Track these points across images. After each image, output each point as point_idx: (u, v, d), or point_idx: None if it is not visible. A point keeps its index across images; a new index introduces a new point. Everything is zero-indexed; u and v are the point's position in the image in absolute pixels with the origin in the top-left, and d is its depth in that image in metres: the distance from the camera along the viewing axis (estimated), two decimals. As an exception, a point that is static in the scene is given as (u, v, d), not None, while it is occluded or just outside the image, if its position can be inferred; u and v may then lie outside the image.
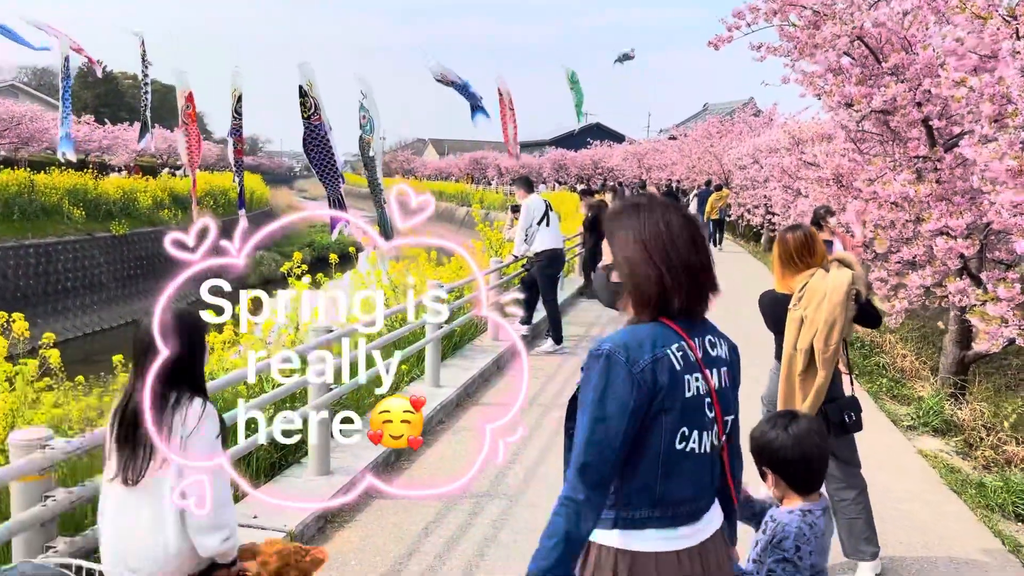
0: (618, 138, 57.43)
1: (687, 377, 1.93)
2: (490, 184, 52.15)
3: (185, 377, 2.53)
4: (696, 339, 1.99)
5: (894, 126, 7.38)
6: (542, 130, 68.54)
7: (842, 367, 4.01)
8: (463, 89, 13.77)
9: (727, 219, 26.85)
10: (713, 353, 2.02)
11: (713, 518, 2.04)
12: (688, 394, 1.92)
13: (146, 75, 20.37)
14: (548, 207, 9.16)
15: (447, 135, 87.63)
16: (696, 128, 34.94)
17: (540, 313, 9.69)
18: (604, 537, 1.96)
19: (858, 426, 3.96)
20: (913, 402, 7.64)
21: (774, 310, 4.11)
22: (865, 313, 3.95)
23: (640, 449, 1.92)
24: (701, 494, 1.99)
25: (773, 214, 20.42)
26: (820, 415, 3.81)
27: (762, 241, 24.39)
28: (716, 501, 2.07)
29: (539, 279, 9.08)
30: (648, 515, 1.94)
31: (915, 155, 7.33)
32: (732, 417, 2.05)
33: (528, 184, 9.38)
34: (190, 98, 14.20)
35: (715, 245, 23.50)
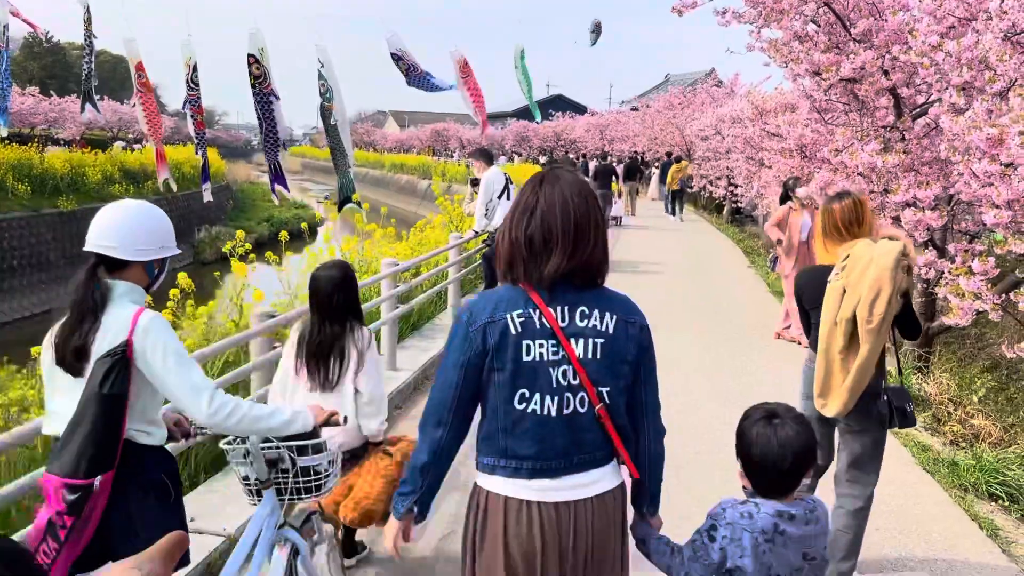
0: (580, 110, 57.15)
1: (526, 342, 2.03)
2: (452, 156, 51.52)
3: (354, 312, 3.49)
4: (558, 308, 2.06)
5: (861, 95, 7.21)
6: (503, 102, 67.93)
7: (889, 344, 3.53)
8: (424, 80, 12.96)
9: (689, 190, 26.83)
10: (581, 323, 2.06)
11: (590, 482, 2.10)
12: (527, 358, 2.03)
13: (90, 44, 19.54)
14: (508, 180, 8.84)
15: (407, 107, 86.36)
16: (658, 99, 34.78)
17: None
18: (478, 477, 2.19)
19: (911, 420, 3.48)
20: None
21: (814, 283, 3.62)
22: (907, 316, 3.43)
23: (484, 403, 2.11)
24: (550, 454, 2.06)
25: (736, 185, 20.35)
26: (883, 402, 3.41)
27: (724, 212, 24.36)
28: (604, 467, 2.13)
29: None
30: (495, 463, 2.11)
31: (883, 125, 7.18)
32: (609, 388, 2.08)
33: (487, 156, 9.02)
34: (140, 67, 13.57)
35: (673, 215, 23.51)
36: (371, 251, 8.51)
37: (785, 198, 8.91)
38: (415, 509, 2.18)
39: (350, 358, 3.40)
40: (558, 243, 2.06)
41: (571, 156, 35.08)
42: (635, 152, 35.75)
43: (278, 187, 8.38)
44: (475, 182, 9.98)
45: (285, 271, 7.61)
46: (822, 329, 3.45)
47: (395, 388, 6.19)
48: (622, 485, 2.20)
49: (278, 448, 2.71)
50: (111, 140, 39.06)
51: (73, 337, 2.39)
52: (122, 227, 2.45)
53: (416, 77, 12.64)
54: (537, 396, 2.04)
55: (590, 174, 22.03)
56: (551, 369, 2.04)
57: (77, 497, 2.29)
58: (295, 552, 2.78)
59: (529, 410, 2.05)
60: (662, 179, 24.93)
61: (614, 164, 25.69)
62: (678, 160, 24.65)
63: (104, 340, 2.37)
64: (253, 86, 9.13)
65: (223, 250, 7.80)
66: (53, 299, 21.13)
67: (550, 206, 2.08)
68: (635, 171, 25.14)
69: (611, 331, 2.08)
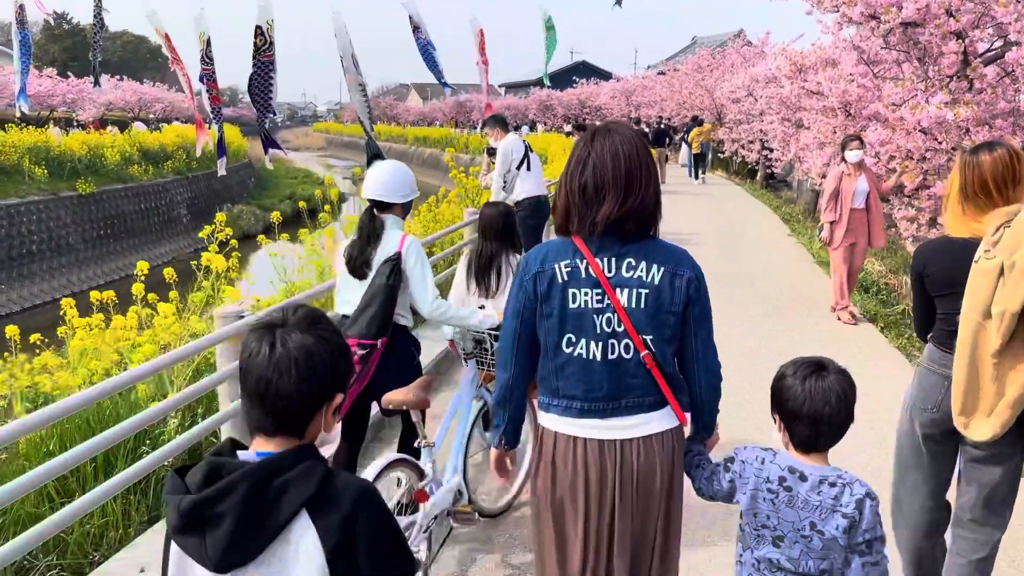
0: (605, 76, 55.95)
1: (571, 290, 2.17)
2: (475, 128, 50.63)
3: (511, 239, 4.22)
4: (605, 258, 2.17)
5: (924, 40, 6.37)
6: (526, 70, 66.71)
7: None
8: (427, 55, 12.42)
9: (720, 155, 25.82)
10: (627, 274, 2.16)
11: (637, 423, 2.21)
12: (572, 305, 2.17)
13: (99, 19, 19.01)
14: (528, 148, 8.08)
15: (430, 79, 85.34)
16: (686, 62, 33.60)
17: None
18: (539, 414, 2.36)
19: None
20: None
21: (947, 261, 2.80)
22: None
23: (538, 347, 2.28)
24: (597, 395, 2.20)
25: (770, 149, 19.38)
26: None
27: (758, 178, 23.38)
28: (656, 411, 2.22)
29: (520, 230, 8.04)
30: (549, 401, 2.28)
31: (948, 74, 6.33)
32: (653, 336, 2.16)
33: (502, 123, 8.22)
34: (167, 38, 13.10)
35: (696, 179, 22.63)
36: None
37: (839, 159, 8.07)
38: (503, 440, 2.46)
39: (505, 274, 4.11)
40: (610, 190, 2.14)
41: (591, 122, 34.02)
42: (661, 118, 34.68)
43: (272, 150, 8.74)
44: (491, 151, 9.20)
45: (280, 256, 6.98)
46: (965, 324, 2.59)
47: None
48: (676, 429, 2.28)
49: (482, 333, 3.79)
50: (131, 120, 38.65)
51: (363, 253, 3.58)
52: (387, 181, 3.63)
53: (422, 42, 11.98)
54: (583, 341, 2.17)
55: None
56: (595, 316, 2.16)
57: (366, 352, 3.44)
58: (485, 405, 3.88)
59: (575, 354, 2.19)
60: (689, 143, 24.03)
61: (644, 130, 24.80)
62: (700, 123, 23.69)
63: (383, 253, 3.56)
64: (254, 56, 8.87)
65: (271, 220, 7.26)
66: (74, 283, 20.85)
67: (601, 155, 2.17)
68: (664, 137, 24.20)
69: (657, 282, 2.15)
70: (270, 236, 7.60)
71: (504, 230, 4.20)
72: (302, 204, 7.65)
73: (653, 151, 14.24)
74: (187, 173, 28.95)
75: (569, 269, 2.17)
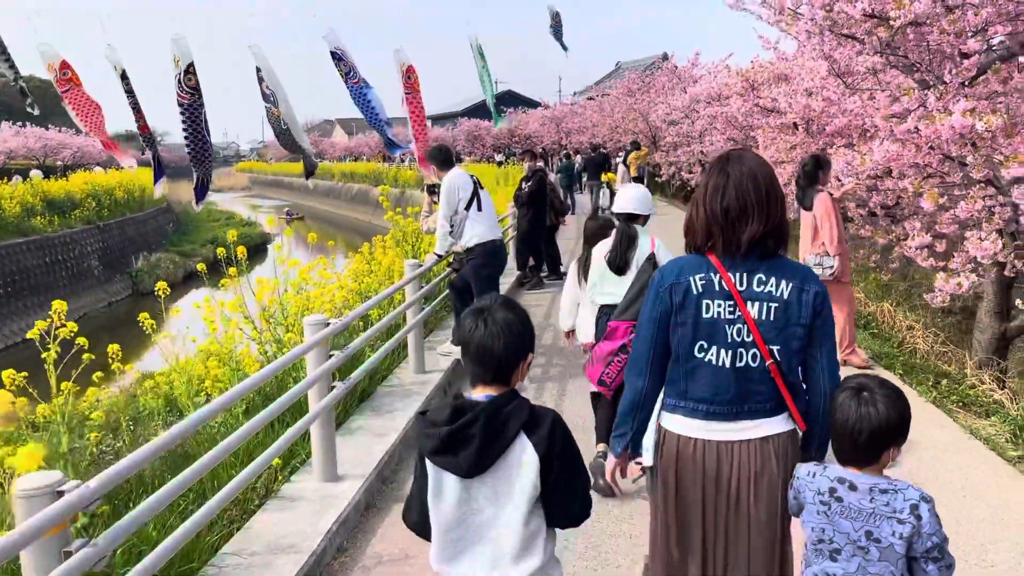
0: (532, 104, 55.57)
1: (705, 301, 2.33)
2: (403, 161, 49.44)
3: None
4: (737, 273, 2.33)
5: (934, 42, 5.48)
6: (452, 101, 66.01)
7: None
8: (361, 98, 11.16)
9: (657, 179, 25.20)
10: (758, 288, 2.32)
11: (755, 426, 2.36)
12: (706, 315, 2.33)
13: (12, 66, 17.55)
14: (477, 184, 6.80)
15: (354, 113, 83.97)
16: (615, 85, 33.14)
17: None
18: (662, 415, 2.52)
19: None
20: (991, 410, 5.68)
21: None
22: None
23: (671, 352, 2.42)
24: (723, 399, 2.35)
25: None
26: None
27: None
28: (773, 416, 2.37)
29: (474, 281, 6.78)
30: (676, 403, 2.44)
31: (963, 80, 5.45)
32: (780, 347, 2.32)
33: (445, 156, 6.88)
34: (64, 65, 11.71)
35: None
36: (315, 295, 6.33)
37: (808, 182, 6.74)
38: (629, 448, 2.55)
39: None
40: (754, 211, 2.29)
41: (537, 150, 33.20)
42: (596, 144, 34.04)
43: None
44: (433, 189, 7.94)
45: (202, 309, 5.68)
46: None
47: (333, 519, 3.90)
48: (790, 433, 2.41)
49: None
50: (39, 167, 36.25)
51: (623, 255, 4.49)
52: (637, 199, 4.63)
53: (355, 87, 10.91)
54: (714, 348, 2.33)
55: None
56: (727, 326, 2.32)
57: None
58: None
59: (706, 360, 2.34)
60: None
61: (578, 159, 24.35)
62: (638, 147, 23.09)
63: (639, 254, 4.45)
64: (180, 102, 8.32)
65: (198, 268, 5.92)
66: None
67: (741, 179, 2.32)
68: (606, 163, 23.52)
69: (786, 296, 2.31)
70: (190, 284, 6.37)
71: (597, 235, 4.86)
72: (221, 251, 6.27)
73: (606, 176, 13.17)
74: (97, 222, 27.00)
75: (704, 282, 2.33)
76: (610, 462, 2.59)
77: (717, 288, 2.30)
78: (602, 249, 4.60)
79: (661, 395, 2.48)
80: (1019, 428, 5.16)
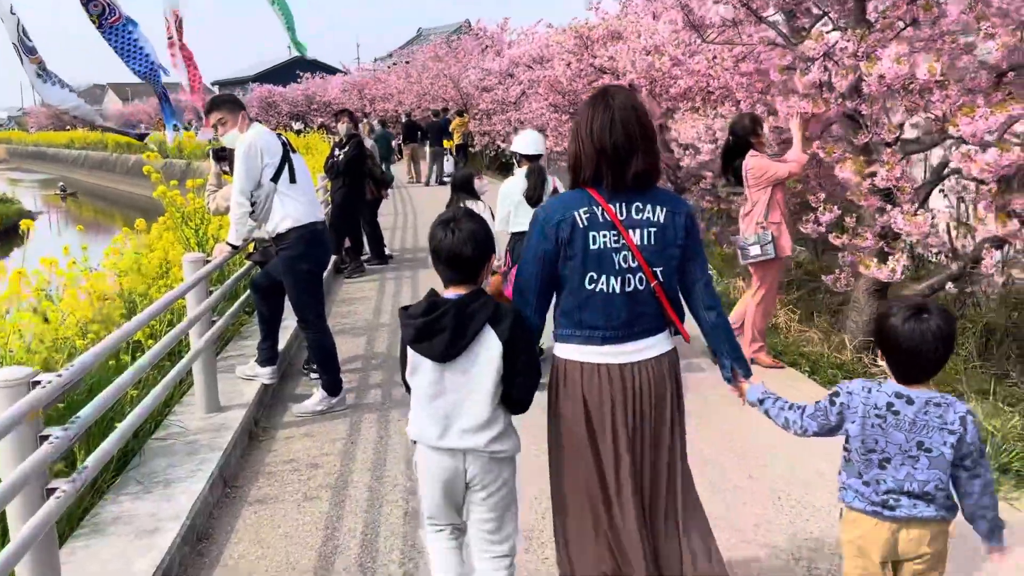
0: (331, 71, 52.67)
1: (592, 233, 2.42)
2: (189, 126, 45.11)
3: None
4: (617, 204, 2.44)
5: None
6: (244, 65, 61.52)
7: None
8: (126, 41, 9.56)
9: (471, 149, 24.05)
10: (637, 216, 2.44)
11: (647, 346, 2.50)
12: (593, 246, 2.42)
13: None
14: (288, 147, 4.89)
15: (129, 79, 76.46)
16: (420, 51, 31.60)
17: (289, 333, 5.97)
18: (556, 347, 2.60)
19: None
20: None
21: None
22: None
23: (562, 285, 2.51)
24: (616, 324, 2.46)
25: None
26: None
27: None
28: (658, 335, 2.52)
29: (288, 280, 4.93)
30: (571, 333, 2.53)
31: (900, 16, 4.54)
32: (663, 268, 2.47)
33: (235, 105, 4.93)
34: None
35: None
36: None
37: (736, 151, 5.43)
38: None
39: None
40: (639, 146, 2.40)
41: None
42: (398, 110, 32.33)
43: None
44: (222, 154, 5.93)
45: None
46: None
47: None
48: (674, 350, 2.58)
49: None
50: None
51: (540, 189, 5.31)
52: (537, 141, 5.53)
53: (114, 28, 9.17)
54: (604, 277, 2.44)
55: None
56: (614, 255, 2.43)
57: None
58: None
59: (597, 289, 2.45)
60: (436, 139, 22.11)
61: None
62: (461, 113, 21.80)
63: (547, 188, 5.36)
64: None
65: None
66: None
67: (626, 115, 2.41)
68: (415, 131, 21.99)
69: (662, 221, 2.45)
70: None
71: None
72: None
73: (405, 149, 12.73)
74: None
75: (588, 215, 2.42)
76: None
77: (601, 220, 2.42)
78: (510, 186, 5.37)
79: (552, 328, 2.62)
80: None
